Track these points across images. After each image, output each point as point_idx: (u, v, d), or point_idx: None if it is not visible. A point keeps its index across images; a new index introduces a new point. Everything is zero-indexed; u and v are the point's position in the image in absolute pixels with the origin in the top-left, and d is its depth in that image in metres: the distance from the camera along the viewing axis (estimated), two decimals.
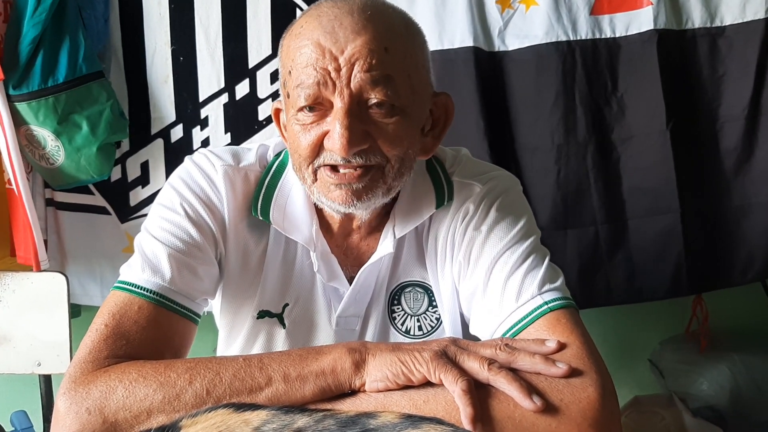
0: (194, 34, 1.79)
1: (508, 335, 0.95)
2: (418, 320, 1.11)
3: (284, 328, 1.09)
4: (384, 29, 0.91)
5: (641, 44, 1.74)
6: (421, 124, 0.99)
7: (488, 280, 1.00)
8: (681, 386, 2.07)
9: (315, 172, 0.96)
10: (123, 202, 1.86)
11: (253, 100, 1.81)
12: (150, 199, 1.84)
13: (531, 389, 0.81)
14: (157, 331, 0.94)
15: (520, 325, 0.94)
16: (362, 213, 1.02)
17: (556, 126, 1.77)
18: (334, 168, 0.94)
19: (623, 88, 1.77)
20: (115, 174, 1.84)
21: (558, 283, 0.97)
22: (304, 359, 0.85)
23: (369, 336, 1.11)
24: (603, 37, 1.76)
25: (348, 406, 0.83)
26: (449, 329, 1.10)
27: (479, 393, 0.81)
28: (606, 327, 2.18)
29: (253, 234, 1.07)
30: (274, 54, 1.78)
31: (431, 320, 1.11)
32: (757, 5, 1.75)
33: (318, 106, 0.92)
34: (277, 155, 1.10)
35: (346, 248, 1.08)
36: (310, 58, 0.90)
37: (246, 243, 1.07)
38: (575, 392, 0.82)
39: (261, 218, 1.05)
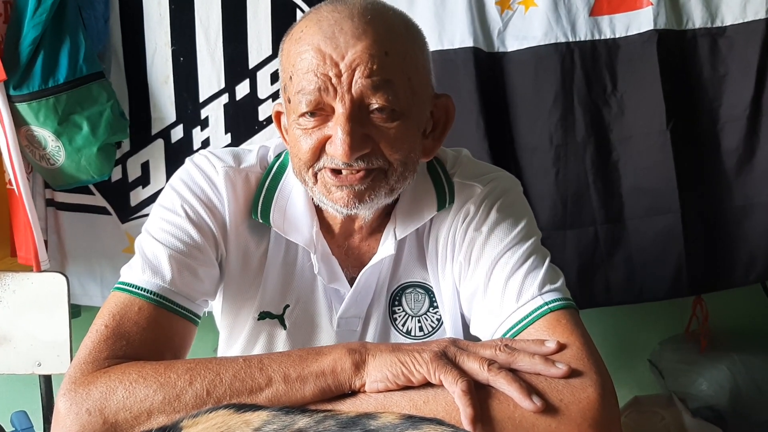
0: (194, 34, 1.79)
1: (508, 335, 0.95)
2: (419, 321, 1.11)
3: (285, 330, 1.09)
4: (384, 33, 0.91)
5: (641, 44, 1.74)
6: (422, 127, 0.99)
7: (489, 280, 1.00)
8: (681, 386, 2.07)
9: (315, 175, 0.96)
10: (123, 203, 1.86)
11: (253, 100, 1.81)
12: (150, 200, 1.84)
13: (531, 390, 0.81)
14: (157, 332, 0.94)
15: (520, 326, 0.94)
16: (365, 213, 1.03)
17: (556, 127, 1.77)
18: (335, 170, 0.94)
19: (623, 89, 1.77)
20: (116, 174, 1.84)
21: (558, 284, 0.97)
22: (304, 360, 0.86)
23: (370, 337, 1.11)
24: (602, 38, 1.76)
25: (348, 407, 0.83)
26: (450, 330, 1.10)
27: (479, 394, 0.81)
28: (606, 327, 2.18)
29: (253, 235, 1.07)
30: (274, 54, 1.78)
31: (432, 321, 1.11)
32: (758, 5, 1.75)
33: (319, 112, 0.92)
34: (278, 156, 1.10)
35: (347, 249, 1.09)
36: (311, 64, 0.90)
37: (247, 244, 1.07)
38: (575, 393, 0.82)
39: (261, 221, 1.05)
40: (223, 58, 1.79)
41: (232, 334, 1.12)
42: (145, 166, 1.84)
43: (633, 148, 1.78)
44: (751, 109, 1.77)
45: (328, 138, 0.93)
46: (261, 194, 1.06)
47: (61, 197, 1.85)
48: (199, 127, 1.82)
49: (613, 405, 0.84)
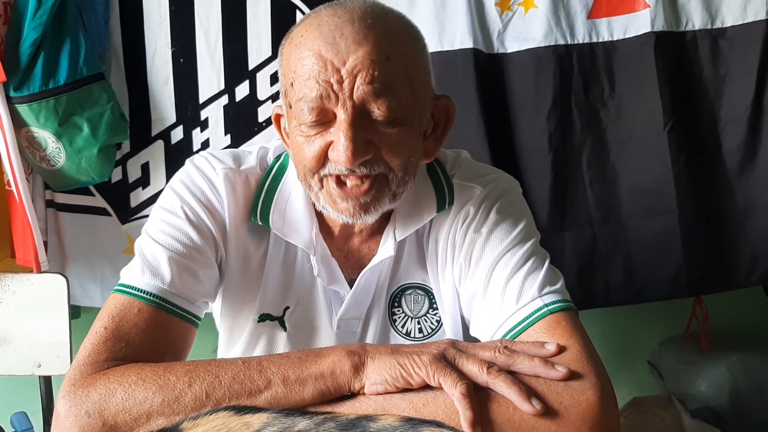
0: (194, 35, 1.79)
1: (508, 337, 0.95)
2: (419, 322, 1.11)
3: (285, 331, 1.10)
4: (385, 37, 0.91)
5: (638, 47, 1.74)
6: (423, 129, 0.99)
7: (488, 282, 1.00)
8: (680, 387, 2.07)
9: (321, 181, 0.96)
10: (123, 204, 1.86)
11: (253, 101, 1.81)
12: (150, 201, 1.84)
13: (530, 392, 0.81)
14: (156, 334, 0.94)
15: (519, 327, 0.94)
16: (369, 221, 1.03)
17: (554, 128, 1.77)
18: (339, 180, 0.94)
19: (620, 91, 1.77)
20: (116, 175, 1.84)
21: (558, 286, 0.97)
22: (303, 362, 0.86)
23: (369, 338, 1.11)
24: (600, 40, 1.76)
25: (348, 409, 0.83)
26: (450, 331, 1.10)
27: (478, 396, 0.81)
28: (605, 327, 2.18)
29: (253, 237, 1.07)
30: (274, 55, 1.78)
31: (432, 322, 1.11)
32: (758, 6, 1.74)
33: (321, 119, 0.92)
34: (277, 158, 1.10)
35: (346, 251, 1.09)
36: (312, 71, 0.90)
37: (246, 246, 1.07)
38: (574, 395, 0.82)
39: (261, 223, 1.05)
40: (222, 59, 1.79)
41: (232, 336, 1.12)
42: (145, 167, 1.84)
43: (631, 150, 1.78)
44: (752, 109, 1.77)
45: (330, 144, 0.93)
46: (260, 196, 1.06)
47: (61, 198, 1.85)
48: (199, 128, 1.82)
49: (612, 407, 0.84)
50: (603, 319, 2.08)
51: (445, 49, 1.75)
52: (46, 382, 1.76)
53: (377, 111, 0.91)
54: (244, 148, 1.19)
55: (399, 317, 1.11)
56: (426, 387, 0.83)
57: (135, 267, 0.98)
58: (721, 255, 1.82)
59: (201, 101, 1.81)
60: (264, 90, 1.81)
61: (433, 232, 1.08)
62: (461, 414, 0.79)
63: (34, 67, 1.63)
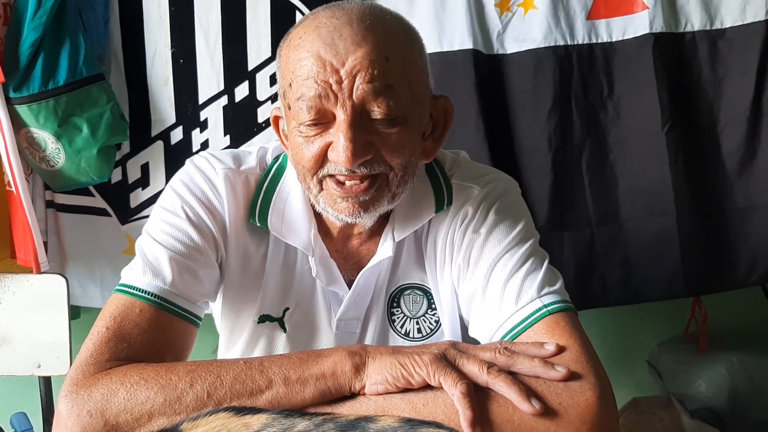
0: (194, 36, 1.79)
1: (507, 338, 0.95)
2: (418, 323, 1.11)
3: (285, 332, 1.10)
4: (384, 38, 0.91)
5: (637, 48, 1.75)
6: (422, 130, 0.99)
7: (487, 282, 1.00)
8: (679, 387, 2.07)
9: (320, 182, 0.96)
10: (123, 204, 1.86)
11: (252, 102, 1.81)
12: (150, 201, 1.84)
13: (530, 392, 0.81)
14: (158, 334, 0.94)
15: (519, 328, 0.94)
16: (368, 221, 1.03)
17: (553, 129, 1.77)
18: (339, 180, 0.94)
19: (619, 92, 1.78)
20: (116, 176, 1.84)
21: (557, 286, 0.97)
22: (304, 362, 0.86)
23: (368, 339, 1.11)
24: (599, 41, 1.76)
25: (348, 410, 0.83)
26: (448, 332, 1.10)
27: (478, 396, 0.81)
28: (605, 328, 2.18)
29: (253, 238, 1.07)
30: (273, 56, 1.78)
31: (430, 323, 1.11)
32: (758, 7, 1.75)
33: (320, 119, 0.92)
34: (276, 159, 1.10)
35: (345, 253, 1.09)
36: (311, 71, 0.90)
37: (247, 246, 1.07)
38: (574, 396, 0.82)
39: (259, 224, 1.05)
40: (222, 60, 1.79)
41: (232, 336, 1.12)
42: (145, 168, 1.85)
43: (630, 150, 1.79)
44: (751, 110, 1.77)
45: (329, 144, 0.93)
46: (259, 197, 1.06)
47: (61, 199, 1.85)
48: (198, 129, 1.82)
49: (611, 408, 0.85)
50: (602, 319, 2.08)
51: (444, 49, 1.75)
52: (46, 383, 1.76)
53: (377, 110, 0.91)
54: (243, 148, 1.19)
55: (398, 317, 1.11)
56: (426, 387, 0.83)
57: (136, 267, 0.98)
58: (719, 255, 1.82)
59: (201, 102, 1.81)
60: (263, 91, 1.81)
61: (431, 232, 1.08)
62: (461, 413, 0.79)
63: (33, 67, 1.63)
